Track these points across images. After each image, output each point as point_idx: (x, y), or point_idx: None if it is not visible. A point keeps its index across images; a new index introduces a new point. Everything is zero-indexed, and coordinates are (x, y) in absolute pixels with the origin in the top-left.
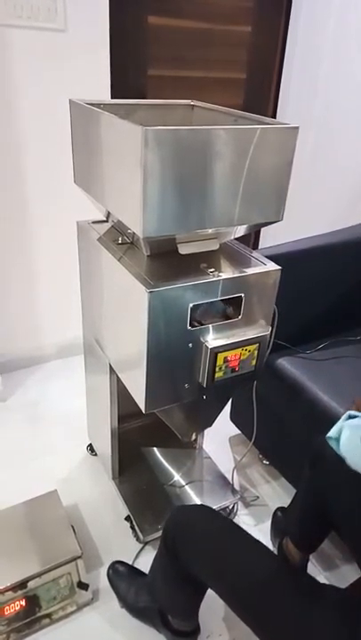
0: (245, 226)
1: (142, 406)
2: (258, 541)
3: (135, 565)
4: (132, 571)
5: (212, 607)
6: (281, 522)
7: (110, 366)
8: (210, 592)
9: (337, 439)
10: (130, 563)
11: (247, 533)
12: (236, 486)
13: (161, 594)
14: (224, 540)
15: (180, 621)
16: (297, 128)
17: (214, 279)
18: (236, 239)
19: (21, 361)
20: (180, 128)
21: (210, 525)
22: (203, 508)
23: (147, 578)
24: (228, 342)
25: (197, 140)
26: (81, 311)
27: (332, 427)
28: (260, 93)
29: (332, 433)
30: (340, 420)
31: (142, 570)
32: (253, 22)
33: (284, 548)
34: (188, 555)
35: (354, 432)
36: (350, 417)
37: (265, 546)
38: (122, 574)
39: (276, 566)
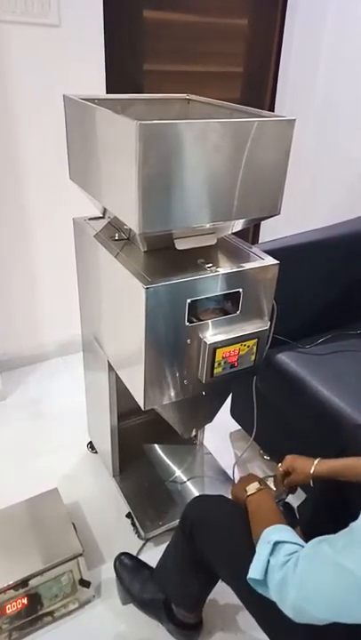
0: (243, 220)
1: (141, 403)
2: None
3: None
4: (138, 563)
5: (215, 602)
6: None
7: (109, 363)
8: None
9: (263, 582)
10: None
11: None
12: None
13: (170, 581)
14: (240, 531)
15: (185, 612)
16: (294, 120)
17: (212, 274)
18: (235, 233)
19: (21, 359)
20: (175, 122)
21: (228, 516)
22: (222, 498)
23: (156, 567)
24: (227, 338)
25: (193, 135)
26: (79, 308)
27: (330, 421)
28: (258, 86)
29: (254, 573)
30: (263, 554)
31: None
32: (250, 15)
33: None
34: (203, 542)
35: (286, 579)
36: (276, 543)
37: None
38: (128, 566)
39: None
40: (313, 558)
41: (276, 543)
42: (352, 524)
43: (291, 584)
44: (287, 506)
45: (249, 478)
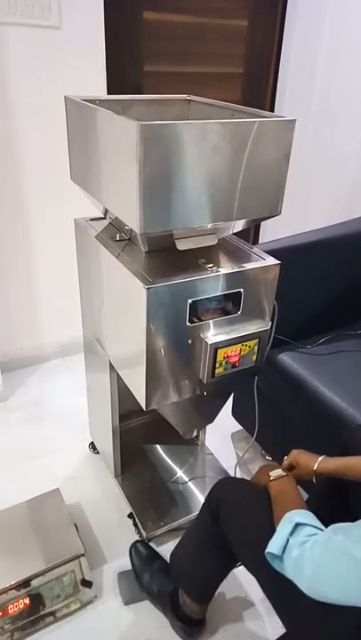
0: (244, 220)
1: (143, 403)
2: None
3: None
4: (153, 553)
5: (219, 602)
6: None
7: (110, 364)
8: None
9: (280, 558)
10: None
11: None
12: None
13: (186, 564)
14: (263, 513)
15: (191, 604)
16: (294, 121)
17: (213, 274)
18: (235, 234)
19: (22, 360)
20: (176, 123)
21: (252, 497)
22: (247, 481)
23: (172, 550)
24: (228, 338)
25: (193, 135)
26: (80, 309)
27: (331, 421)
28: (258, 87)
29: (273, 548)
30: (284, 533)
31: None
32: (250, 16)
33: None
34: (227, 521)
35: (303, 557)
36: (297, 524)
37: None
38: (142, 555)
39: None
40: (328, 545)
41: (298, 524)
42: None
43: (307, 563)
44: None
45: (272, 466)
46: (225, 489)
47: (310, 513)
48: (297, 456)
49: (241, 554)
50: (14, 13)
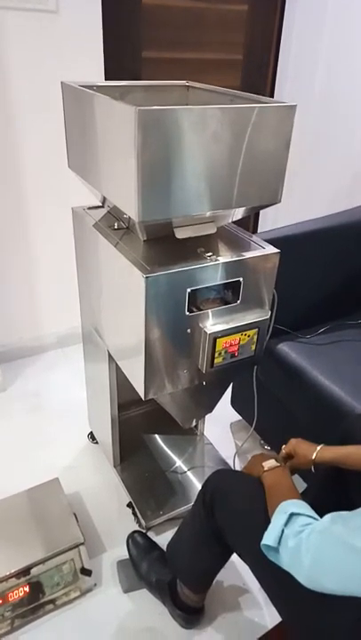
0: (243, 208)
1: (141, 393)
2: None
3: None
4: (150, 543)
5: (218, 590)
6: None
7: (109, 354)
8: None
9: (276, 549)
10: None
11: None
12: None
13: (183, 555)
14: (258, 504)
15: (190, 593)
16: (294, 107)
17: (212, 263)
18: (235, 222)
19: (21, 351)
20: (175, 108)
21: (247, 488)
22: (242, 473)
23: (169, 542)
24: (227, 327)
25: (192, 121)
26: (79, 299)
27: (330, 411)
28: (258, 74)
29: (268, 540)
30: (278, 523)
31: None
32: (250, 1)
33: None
34: (222, 512)
35: (300, 547)
36: (292, 515)
37: None
38: (140, 545)
39: None
40: (326, 535)
41: (293, 514)
42: None
43: (304, 554)
44: None
45: (265, 456)
46: (219, 481)
47: (305, 503)
48: (295, 445)
49: (237, 546)
50: None
